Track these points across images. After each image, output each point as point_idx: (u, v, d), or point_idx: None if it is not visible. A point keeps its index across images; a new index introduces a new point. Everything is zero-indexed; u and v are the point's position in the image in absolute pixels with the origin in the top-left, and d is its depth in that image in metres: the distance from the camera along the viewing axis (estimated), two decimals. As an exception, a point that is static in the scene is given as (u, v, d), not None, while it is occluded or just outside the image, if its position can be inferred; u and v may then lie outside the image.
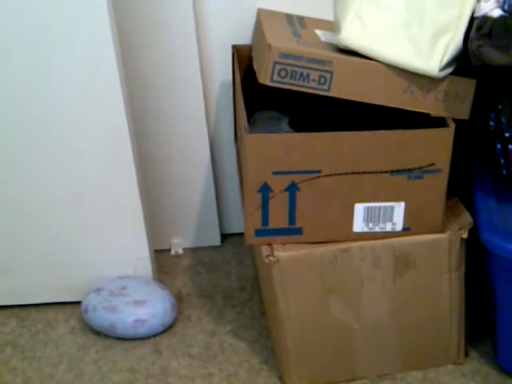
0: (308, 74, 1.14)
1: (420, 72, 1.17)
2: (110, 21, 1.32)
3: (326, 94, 1.16)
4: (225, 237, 1.86)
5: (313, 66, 1.14)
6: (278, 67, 1.13)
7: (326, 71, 1.14)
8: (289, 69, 1.13)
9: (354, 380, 1.40)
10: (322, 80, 1.15)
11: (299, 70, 1.14)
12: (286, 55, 1.13)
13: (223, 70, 1.60)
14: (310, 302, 1.31)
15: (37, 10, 1.30)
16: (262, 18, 1.34)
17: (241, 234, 1.31)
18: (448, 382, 1.39)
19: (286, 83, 1.14)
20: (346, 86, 1.16)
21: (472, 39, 1.14)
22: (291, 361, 1.37)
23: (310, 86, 1.15)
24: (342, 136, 1.18)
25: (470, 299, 1.39)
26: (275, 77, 1.14)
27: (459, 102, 1.22)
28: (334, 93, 1.16)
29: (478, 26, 1.15)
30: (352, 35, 1.17)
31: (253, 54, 1.34)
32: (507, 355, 1.39)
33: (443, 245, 1.27)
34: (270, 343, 1.50)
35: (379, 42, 1.16)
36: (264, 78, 1.14)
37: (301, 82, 1.15)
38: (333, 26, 1.26)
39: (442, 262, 1.29)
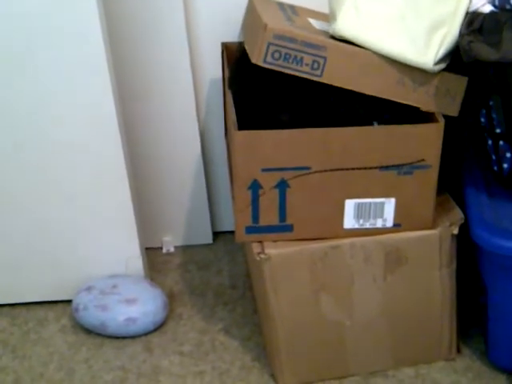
0: (301, 58, 1.13)
1: (415, 65, 1.16)
2: (100, 17, 1.32)
3: (318, 79, 1.15)
4: (216, 235, 1.86)
5: (307, 50, 1.13)
6: (272, 48, 1.12)
7: (320, 56, 1.13)
8: (283, 51, 1.12)
9: (345, 377, 1.40)
10: (316, 65, 1.14)
11: (293, 53, 1.13)
12: (280, 37, 1.12)
13: (214, 67, 1.60)
14: (301, 299, 1.30)
15: (24, 8, 1.30)
16: (256, 3, 1.33)
17: (232, 232, 1.30)
18: (440, 378, 1.39)
19: (278, 65, 1.13)
20: (338, 73, 1.15)
21: (463, 35, 1.14)
22: (283, 358, 1.36)
23: (303, 71, 1.14)
24: (331, 132, 1.18)
25: (462, 295, 1.39)
26: (268, 58, 1.12)
27: (450, 99, 1.22)
28: (326, 79, 1.15)
29: (468, 22, 1.15)
30: (347, 25, 1.16)
31: (244, 37, 1.32)
32: (499, 351, 1.39)
33: (434, 241, 1.27)
34: (262, 341, 1.50)
35: (375, 32, 1.16)
36: (257, 58, 1.13)
37: (294, 66, 1.13)
38: (324, 17, 1.25)
39: (432, 258, 1.29)
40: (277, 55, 1.12)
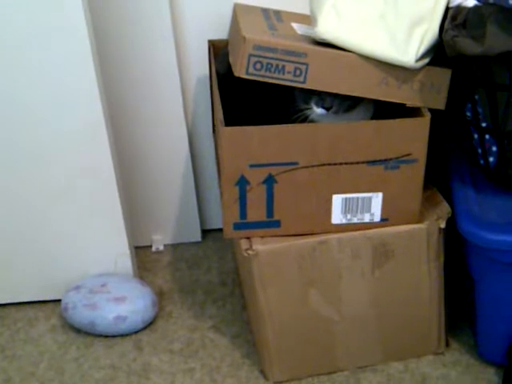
0: (283, 67, 1.14)
1: (396, 63, 1.17)
2: (86, 18, 1.32)
3: (301, 86, 1.16)
4: (205, 232, 1.86)
5: (288, 58, 1.14)
6: (253, 59, 1.13)
7: (302, 63, 1.14)
8: (264, 61, 1.13)
9: (335, 372, 1.40)
10: (298, 72, 1.15)
11: (274, 63, 1.14)
12: (260, 47, 1.13)
13: (201, 65, 1.60)
14: (290, 294, 1.30)
15: (11, 10, 1.29)
16: (238, 12, 1.34)
17: (221, 230, 1.30)
18: (429, 372, 1.40)
19: (261, 76, 1.14)
20: (321, 78, 1.16)
21: (447, 29, 1.14)
22: (272, 354, 1.37)
23: (286, 79, 1.15)
24: (318, 127, 1.18)
25: (451, 289, 1.40)
26: (250, 69, 1.14)
27: (435, 92, 1.22)
28: (310, 85, 1.16)
29: (452, 16, 1.15)
30: (328, 27, 1.17)
31: (229, 48, 1.34)
32: (487, 345, 1.39)
33: (421, 235, 1.28)
34: (252, 337, 1.50)
35: (356, 33, 1.16)
36: (239, 71, 1.14)
37: (276, 75, 1.15)
38: (310, 20, 1.26)
39: (420, 252, 1.29)
40: (258, 66, 1.14)
